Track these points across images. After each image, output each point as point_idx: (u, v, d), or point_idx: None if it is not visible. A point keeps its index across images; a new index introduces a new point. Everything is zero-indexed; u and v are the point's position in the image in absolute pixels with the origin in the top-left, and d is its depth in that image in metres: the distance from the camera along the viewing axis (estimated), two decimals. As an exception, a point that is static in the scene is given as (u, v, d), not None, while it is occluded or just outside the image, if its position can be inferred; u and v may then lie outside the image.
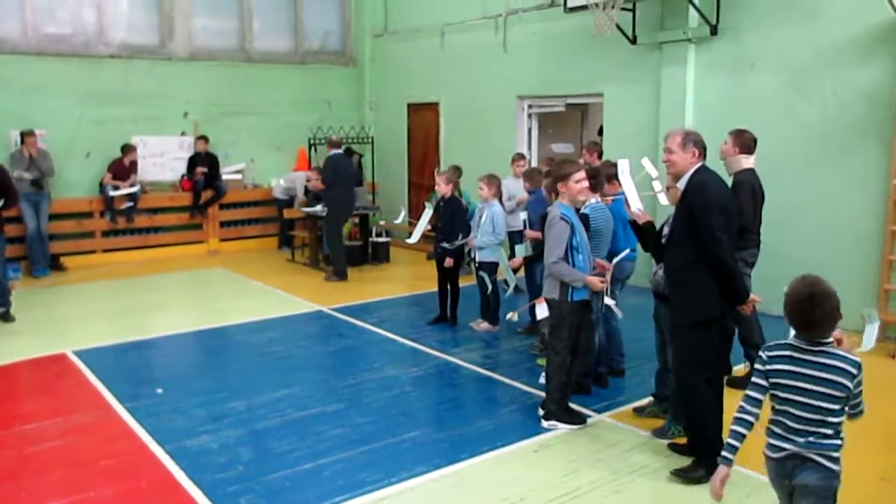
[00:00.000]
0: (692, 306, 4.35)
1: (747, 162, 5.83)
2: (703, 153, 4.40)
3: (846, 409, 2.88)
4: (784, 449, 2.92)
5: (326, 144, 10.46)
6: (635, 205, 4.85)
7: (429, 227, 8.21)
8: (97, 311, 8.65)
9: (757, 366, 3.04)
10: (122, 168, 11.34)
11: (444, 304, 7.93)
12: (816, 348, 2.88)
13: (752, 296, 4.58)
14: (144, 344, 7.41)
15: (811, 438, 2.88)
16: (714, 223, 4.20)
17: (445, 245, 7.58)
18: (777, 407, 2.96)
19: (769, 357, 2.96)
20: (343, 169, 10.23)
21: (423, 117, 12.99)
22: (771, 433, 2.99)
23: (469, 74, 11.78)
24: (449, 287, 7.91)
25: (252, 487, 4.38)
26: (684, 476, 4.46)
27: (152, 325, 7.98)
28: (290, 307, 8.77)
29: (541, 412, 5.28)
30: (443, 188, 7.79)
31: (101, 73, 11.57)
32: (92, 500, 4.27)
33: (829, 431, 2.87)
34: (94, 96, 11.47)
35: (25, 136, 10.23)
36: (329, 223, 10.23)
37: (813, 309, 2.85)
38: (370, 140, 13.69)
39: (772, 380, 2.94)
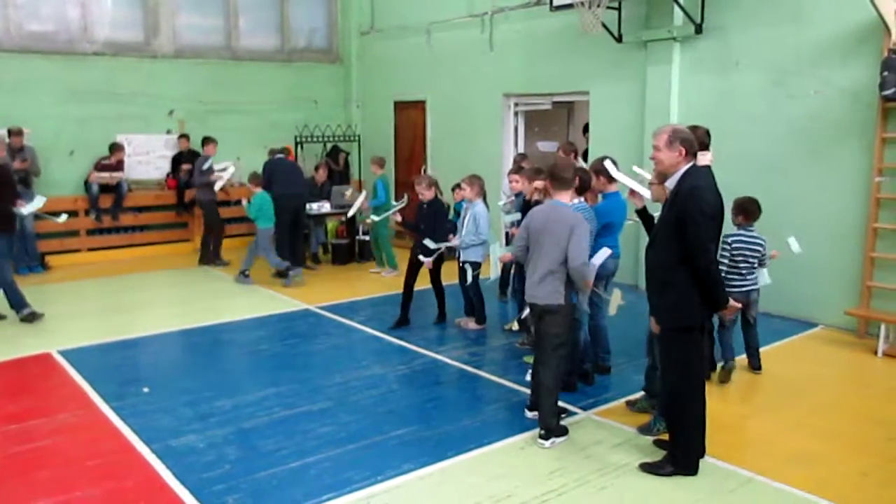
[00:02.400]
0: (672, 312, 4.34)
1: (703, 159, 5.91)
2: (690, 152, 4.29)
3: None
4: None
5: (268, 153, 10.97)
6: (645, 192, 4.97)
7: (399, 219, 8.29)
8: (82, 310, 8.61)
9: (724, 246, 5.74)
10: (109, 167, 11.28)
11: (406, 307, 7.83)
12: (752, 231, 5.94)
13: (731, 302, 4.60)
14: (130, 343, 7.38)
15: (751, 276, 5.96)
16: (704, 232, 4.16)
17: (427, 243, 7.55)
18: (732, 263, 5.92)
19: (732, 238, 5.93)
20: (278, 171, 10.35)
21: (409, 115, 13.00)
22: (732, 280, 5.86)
23: (455, 72, 11.80)
24: (433, 287, 7.90)
25: (239, 486, 4.37)
26: (651, 470, 4.50)
27: (138, 324, 7.94)
28: (277, 305, 8.76)
29: (540, 434, 4.98)
30: (425, 195, 7.80)
31: (86, 70, 11.51)
32: (78, 500, 4.25)
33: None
34: (79, 94, 11.40)
35: (12, 134, 10.15)
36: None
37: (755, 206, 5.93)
38: (357, 138, 13.68)
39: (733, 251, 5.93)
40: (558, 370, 5.03)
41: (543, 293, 4.89)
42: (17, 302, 7.99)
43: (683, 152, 4.27)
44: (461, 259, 7.59)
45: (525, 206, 6.70)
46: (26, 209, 8.16)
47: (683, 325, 4.32)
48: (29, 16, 11.18)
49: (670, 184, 4.35)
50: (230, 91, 12.71)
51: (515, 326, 6.67)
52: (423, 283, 7.84)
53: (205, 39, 12.77)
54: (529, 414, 5.33)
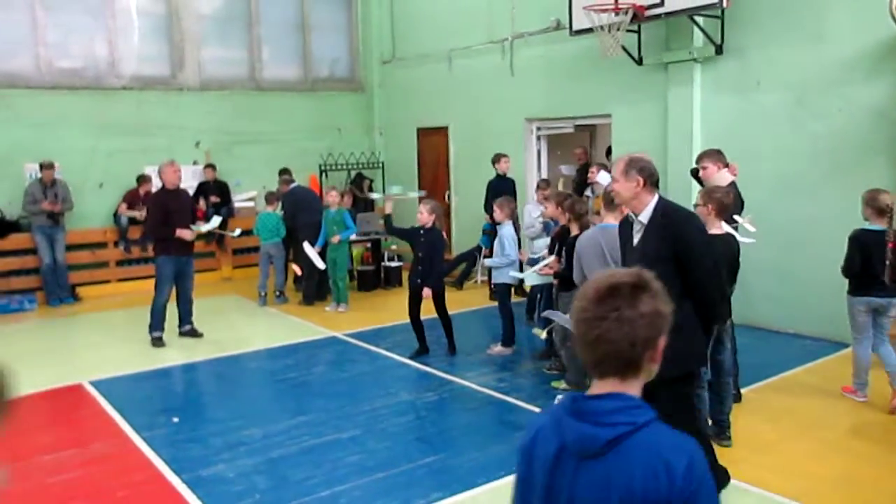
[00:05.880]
0: (682, 359, 3.74)
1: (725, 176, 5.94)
2: (650, 182, 3.93)
3: None
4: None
5: (282, 184, 10.88)
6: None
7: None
8: (112, 341, 8.71)
9: None
10: (137, 198, 11.46)
11: (421, 337, 7.75)
12: None
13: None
14: (160, 373, 7.45)
15: None
16: (709, 257, 3.95)
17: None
18: None
19: None
20: (302, 199, 10.46)
21: (432, 141, 13.08)
22: None
23: (477, 98, 11.88)
24: (439, 317, 7.67)
25: (269, 516, 4.38)
26: None
27: (167, 355, 8.02)
28: (304, 333, 8.80)
29: None
30: (424, 217, 7.50)
31: (114, 105, 11.73)
32: (110, 532, 4.29)
33: None
34: (107, 128, 11.61)
35: (44, 167, 10.38)
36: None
37: None
38: (380, 165, 13.78)
39: None
40: None
41: None
42: (154, 323, 8.34)
43: (641, 182, 3.91)
44: (491, 281, 7.61)
45: (562, 231, 6.71)
46: (205, 227, 8.61)
47: (692, 370, 4.03)
48: (59, 53, 11.44)
49: (643, 218, 3.97)
50: (255, 121, 12.89)
51: (543, 335, 6.64)
52: (451, 307, 7.82)
53: (229, 71, 12.99)
54: None
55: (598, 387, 1.78)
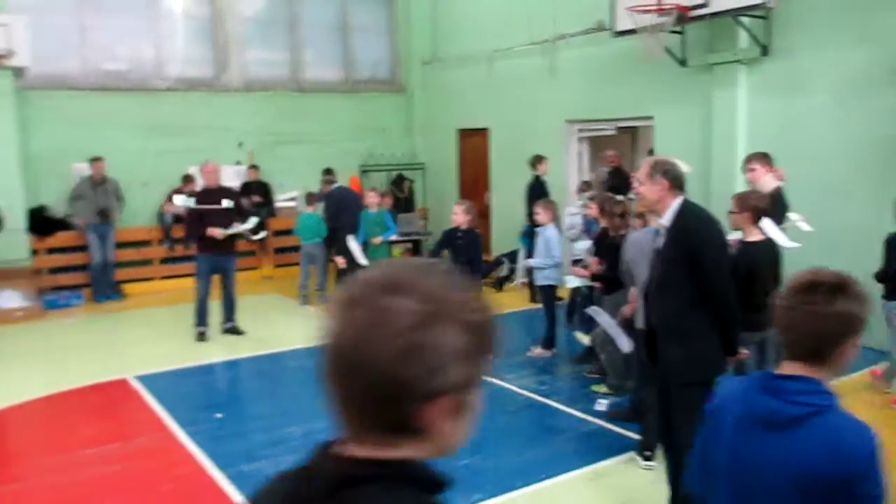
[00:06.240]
0: (699, 364, 3.81)
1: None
2: (675, 185, 3.88)
3: None
4: None
5: (325, 184, 10.75)
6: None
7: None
8: (157, 337, 8.86)
9: None
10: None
11: None
12: None
13: (741, 350, 4.20)
14: (202, 369, 7.56)
15: None
16: (724, 265, 3.88)
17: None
18: None
19: None
20: (346, 200, 10.22)
21: (472, 142, 13.09)
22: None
23: (518, 99, 11.85)
24: None
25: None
26: None
27: (209, 351, 8.14)
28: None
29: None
30: (460, 218, 7.42)
31: (159, 106, 11.93)
32: (155, 525, 4.36)
33: None
34: (152, 129, 11.81)
35: (94, 161, 10.67)
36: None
37: None
38: (421, 166, 13.82)
39: None
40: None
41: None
42: (197, 318, 8.55)
43: (667, 185, 3.85)
44: (536, 283, 7.58)
45: (602, 234, 6.67)
46: (237, 228, 8.65)
47: (707, 378, 3.80)
48: (106, 56, 11.69)
49: (665, 221, 3.91)
50: (297, 122, 13.01)
51: (586, 340, 6.61)
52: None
53: (272, 73, 13.14)
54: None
55: (787, 367, 1.99)
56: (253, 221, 9.03)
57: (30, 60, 10.21)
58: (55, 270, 10.89)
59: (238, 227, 8.64)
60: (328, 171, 11.07)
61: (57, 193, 10.94)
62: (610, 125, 10.72)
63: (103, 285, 10.73)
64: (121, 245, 11.23)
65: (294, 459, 4.30)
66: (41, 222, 10.70)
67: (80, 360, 7.84)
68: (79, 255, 10.87)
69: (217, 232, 8.29)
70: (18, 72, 10.32)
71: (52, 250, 10.86)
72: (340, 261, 9.75)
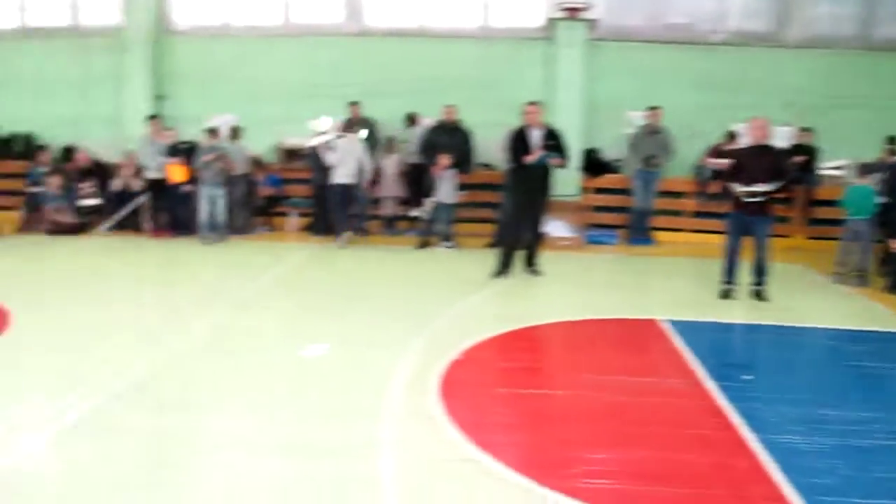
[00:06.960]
0: None
1: None
2: None
3: None
4: None
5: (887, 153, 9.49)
6: None
7: None
8: (683, 285, 9.20)
9: None
10: (720, 154, 11.61)
11: None
12: None
13: None
14: (725, 327, 7.56)
15: None
16: None
17: None
18: None
19: None
20: None
21: None
22: None
23: None
24: None
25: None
26: None
27: (733, 311, 8.07)
28: (885, 323, 7.96)
29: None
30: None
31: (713, 59, 12.00)
32: (684, 462, 4.52)
33: None
34: (703, 82, 11.95)
35: (650, 110, 11.27)
36: None
37: None
38: None
39: None
40: None
41: None
42: (722, 274, 8.65)
43: None
44: None
45: None
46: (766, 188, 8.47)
47: None
48: (667, 9, 12.09)
49: None
50: (860, 84, 11.85)
51: None
52: None
53: (837, 28, 12.15)
54: None
55: None
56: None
57: (603, 13, 11.12)
58: (599, 209, 11.91)
59: (764, 187, 8.27)
60: (893, 141, 9.91)
61: (610, 138, 11.86)
62: None
63: (639, 229, 11.41)
64: (660, 194, 11.73)
65: (831, 443, 4.04)
66: (593, 163, 11.77)
67: (611, 294, 8.48)
68: (618, 197, 11.70)
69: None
70: (591, 24, 11.31)
71: (598, 190, 11.89)
72: (895, 244, 8.74)
